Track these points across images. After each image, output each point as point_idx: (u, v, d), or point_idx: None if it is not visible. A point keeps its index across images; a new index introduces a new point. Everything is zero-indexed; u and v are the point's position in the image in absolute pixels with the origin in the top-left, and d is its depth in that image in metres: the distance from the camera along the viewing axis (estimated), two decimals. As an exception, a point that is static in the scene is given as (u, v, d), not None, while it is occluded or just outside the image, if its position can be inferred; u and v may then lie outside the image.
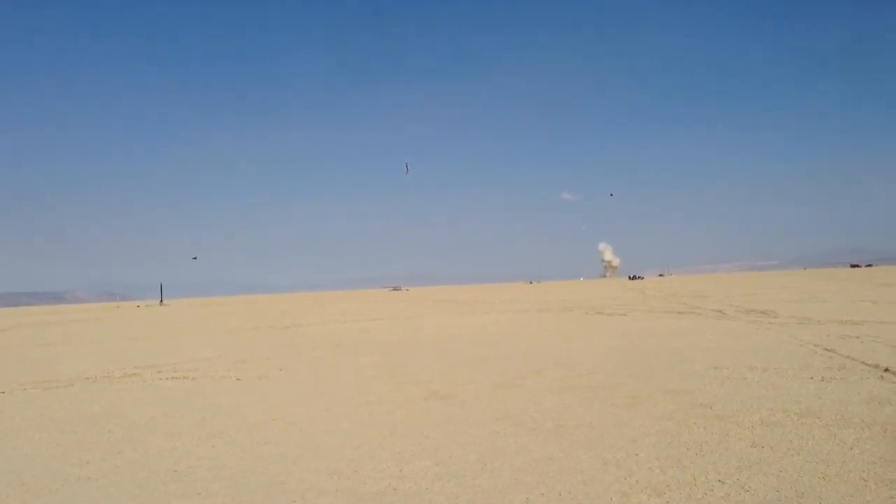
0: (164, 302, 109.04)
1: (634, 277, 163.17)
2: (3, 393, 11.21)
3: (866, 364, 10.00)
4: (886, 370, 9.36)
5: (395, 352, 15.04)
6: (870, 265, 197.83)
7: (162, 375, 12.52)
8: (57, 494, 5.42)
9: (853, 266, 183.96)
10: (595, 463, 5.60)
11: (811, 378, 9.06)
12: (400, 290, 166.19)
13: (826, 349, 11.85)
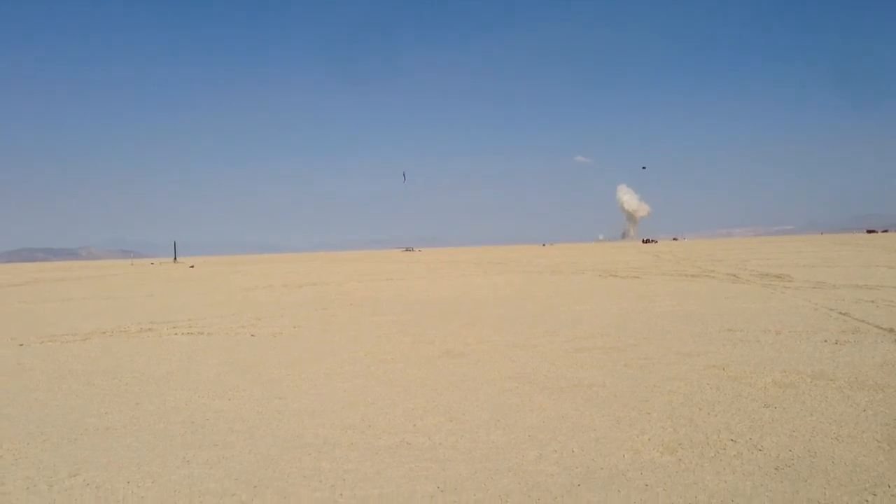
0: (178, 260, 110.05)
1: (648, 241, 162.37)
2: (21, 346, 11.41)
3: (881, 328, 9.93)
4: (902, 334, 9.29)
5: (408, 311, 15.11)
6: (886, 231, 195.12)
7: (177, 331, 12.68)
8: (77, 444, 5.53)
9: (869, 231, 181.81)
10: (608, 421, 5.62)
11: (825, 341, 9.01)
12: (412, 251, 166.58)
13: (840, 313, 11.77)
